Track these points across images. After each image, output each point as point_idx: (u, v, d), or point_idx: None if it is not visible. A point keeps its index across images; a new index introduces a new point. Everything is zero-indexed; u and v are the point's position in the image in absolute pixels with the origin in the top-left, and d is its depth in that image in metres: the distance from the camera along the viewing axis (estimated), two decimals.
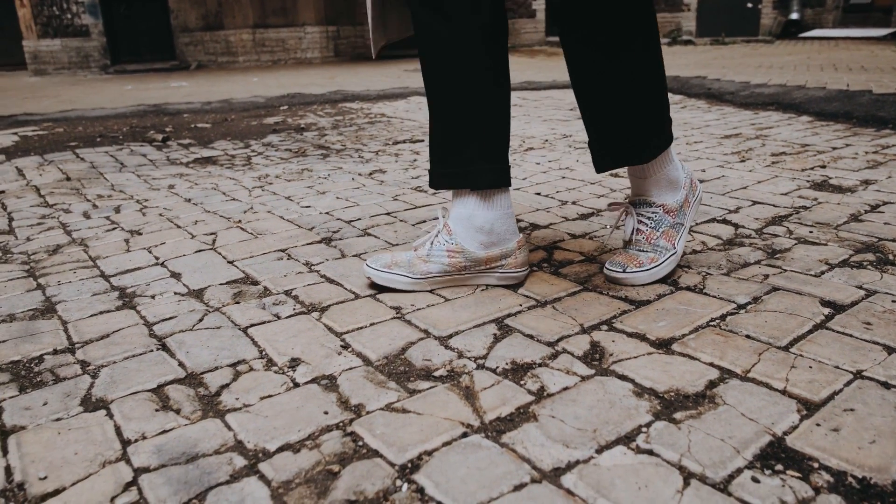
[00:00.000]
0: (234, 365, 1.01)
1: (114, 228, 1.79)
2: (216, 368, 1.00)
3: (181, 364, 1.02)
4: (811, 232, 1.57)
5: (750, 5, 12.94)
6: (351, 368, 0.99)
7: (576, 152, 2.72)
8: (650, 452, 0.77)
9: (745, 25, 12.94)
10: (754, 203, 1.83)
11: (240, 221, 1.80)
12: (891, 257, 1.39)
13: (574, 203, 1.91)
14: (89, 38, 9.96)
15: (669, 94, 4.73)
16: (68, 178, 2.51)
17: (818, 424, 0.82)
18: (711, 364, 0.97)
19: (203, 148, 3.16)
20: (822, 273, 1.31)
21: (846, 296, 1.20)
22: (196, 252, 1.55)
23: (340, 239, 1.63)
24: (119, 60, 10.21)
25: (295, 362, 1.01)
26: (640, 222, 1.33)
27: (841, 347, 1.01)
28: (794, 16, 12.35)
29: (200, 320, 1.17)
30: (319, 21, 10.45)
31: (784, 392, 0.89)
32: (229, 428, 0.85)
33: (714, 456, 0.76)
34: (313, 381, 0.96)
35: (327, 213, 1.87)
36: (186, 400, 0.92)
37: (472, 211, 1.26)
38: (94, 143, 3.38)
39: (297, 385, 0.95)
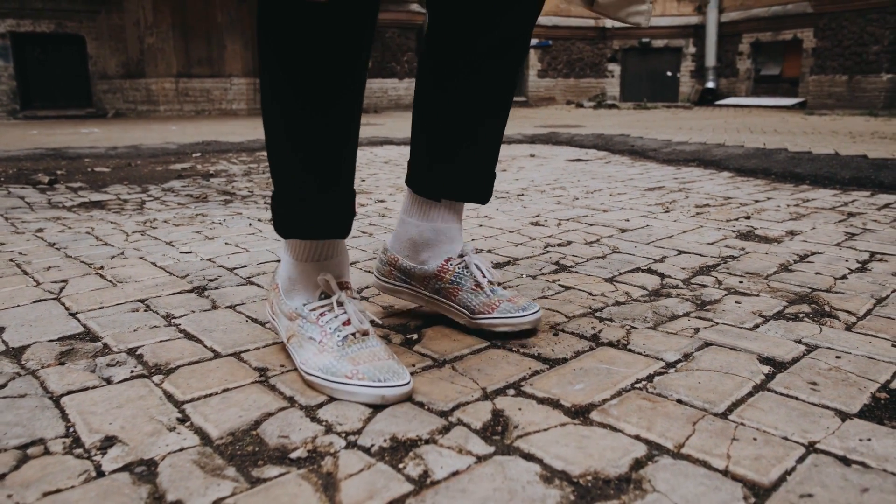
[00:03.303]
0: (24, 447, 0.76)
1: None
2: None
3: None
4: (741, 282, 1.44)
5: (670, 74, 13.58)
6: (182, 450, 0.76)
7: (496, 201, 2.58)
8: None
9: (666, 92, 13.55)
10: (680, 252, 1.71)
11: (101, 268, 1.54)
12: (827, 308, 1.26)
13: (490, 251, 1.74)
14: None
15: (594, 150, 4.74)
16: None
17: None
18: (637, 437, 0.79)
19: (94, 192, 2.87)
20: (757, 326, 1.17)
21: (785, 352, 1.05)
22: (34, 302, 1.29)
23: (216, 288, 1.39)
24: (30, 105, 9.69)
25: (109, 442, 0.77)
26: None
27: (787, 413, 0.85)
28: (710, 84, 13.01)
29: (2, 387, 0.92)
30: (246, 72, 10.27)
31: (726, 473, 0.71)
32: None
33: None
34: (125, 468, 0.72)
35: (209, 259, 1.63)
36: None
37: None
38: None
39: (101, 474, 0.71)
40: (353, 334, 0.94)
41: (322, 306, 0.97)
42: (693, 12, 13.40)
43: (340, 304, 0.97)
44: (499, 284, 1.17)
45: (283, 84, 0.90)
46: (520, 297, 1.13)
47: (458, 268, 1.14)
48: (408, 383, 0.88)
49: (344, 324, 0.95)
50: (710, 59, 12.92)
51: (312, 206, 0.97)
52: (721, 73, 13.02)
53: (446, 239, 1.15)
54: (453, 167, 1.14)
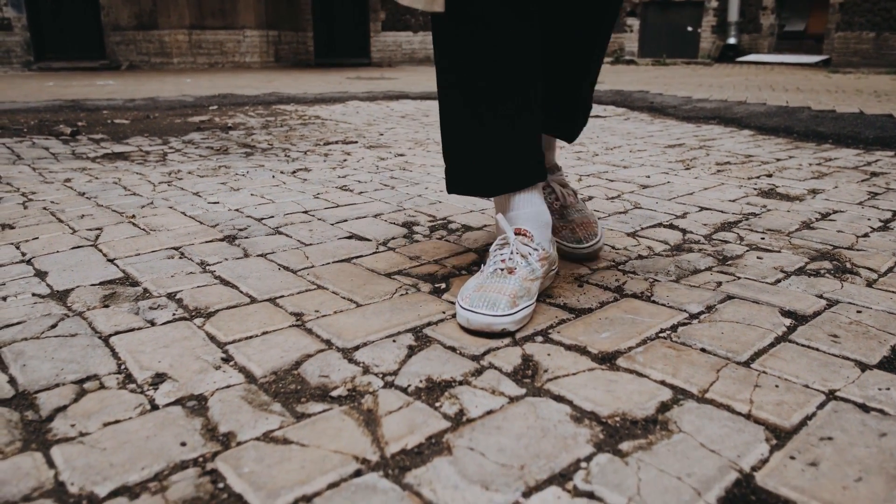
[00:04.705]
0: (80, 382, 0.81)
1: None
2: (56, 386, 0.79)
3: (11, 380, 0.81)
4: (763, 238, 1.45)
5: (690, 29, 13.27)
6: (228, 387, 0.80)
7: None
8: (591, 495, 0.61)
9: (685, 48, 13.25)
10: (702, 209, 1.72)
11: (133, 217, 1.58)
12: (848, 265, 1.28)
13: None
14: (11, 32, 9.39)
15: (613, 107, 4.69)
16: None
17: (792, 457, 0.67)
18: (663, 382, 0.82)
19: (115, 143, 2.90)
20: (779, 281, 1.19)
21: (807, 305, 1.07)
22: (72, 249, 1.33)
23: (246, 237, 1.42)
24: (44, 57, 9.65)
25: (159, 378, 0.81)
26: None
27: (808, 363, 0.87)
28: (732, 40, 12.71)
29: (53, 326, 0.96)
30: (260, 25, 10.15)
31: (749, 416, 0.75)
32: (51, 465, 0.65)
33: (670, 499, 0.60)
34: (177, 402, 0.76)
35: (237, 209, 1.67)
36: (5, 427, 0.71)
37: (539, 207, 1.11)
38: None
39: (155, 407, 0.75)
40: (502, 269, 1.01)
41: (500, 244, 1.08)
42: None
43: (507, 244, 1.06)
44: (580, 199, 1.33)
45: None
46: (584, 225, 1.27)
47: (546, 191, 1.31)
48: (501, 315, 0.93)
49: (502, 260, 1.03)
50: (733, 14, 12.58)
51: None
52: (743, 28, 12.70)
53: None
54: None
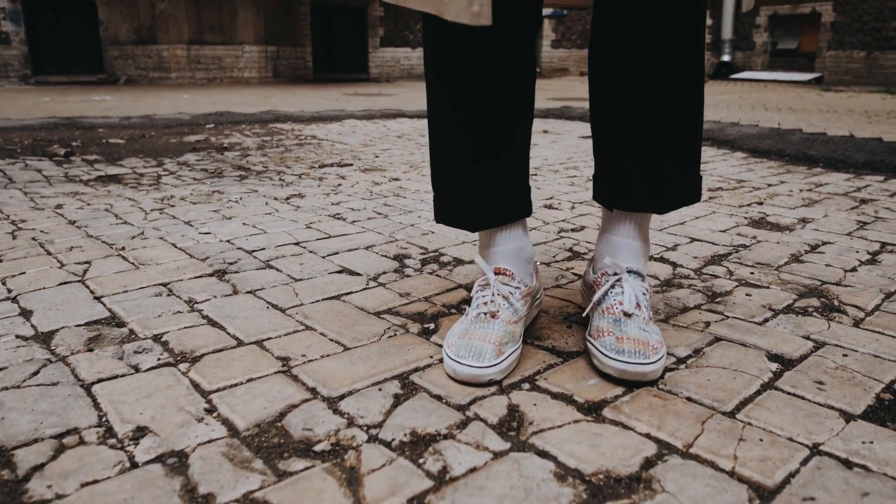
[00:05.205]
0: (59, 436, 0.80)
1: None
2: (34, 442, 0.79)
3: None
4: (752, 273, 1.46)
5: None
6: (210, 441, 0.79)
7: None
8: None
9: None
10: (692, 240, 1.73)
11: (123, 248, 1.58)
12: (836, 303, 1.28)
13: None
14: (9, 46, 9.41)
15: None
16: None
17: None
18: (648, 436, 0.82)
19: (109, 165, 2.90)
20: (767, 321, 1.19)
21: (794, 348, 1.07)
22: (59, 285, 1.32)
23: (236, 272, 1.42)
24: (42, 71, 9.68)
25: (140, 432, 0.81)
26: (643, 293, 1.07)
27: (793, 413, 0.87)
28: (726, 58, 12.81)
29: (35, 374, 0.95)
30: (258, 40, 10.19)
31: (733, 474, 0.74)
32: None
33: None
34: (157, 459, 0.76)
35: (228, 241, 1.66)
36: None
37: (521, 242, 1.11)
38: None
39: (134, 465, 0.74)
40: (485, 314, 1.01)
41: (481, 284, 1.07)
42: None
43: (488, 285, 1.06)
44: (651, 320, 1.03)
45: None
46: (637, 342, 0.96)
47: (606, 284, 1.06)
48: (486, 366, 0.93)
49: (484, 303, 1.03)
50: (727, 32, 12.70)
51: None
52: (737, 46, 12.81)
53: (612, 251, 1.11)
54: (617, 170, 1.10)
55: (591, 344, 1.00)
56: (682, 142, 1.07)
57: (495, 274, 1.07)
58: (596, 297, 1.06)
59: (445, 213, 1.13)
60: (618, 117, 1.08)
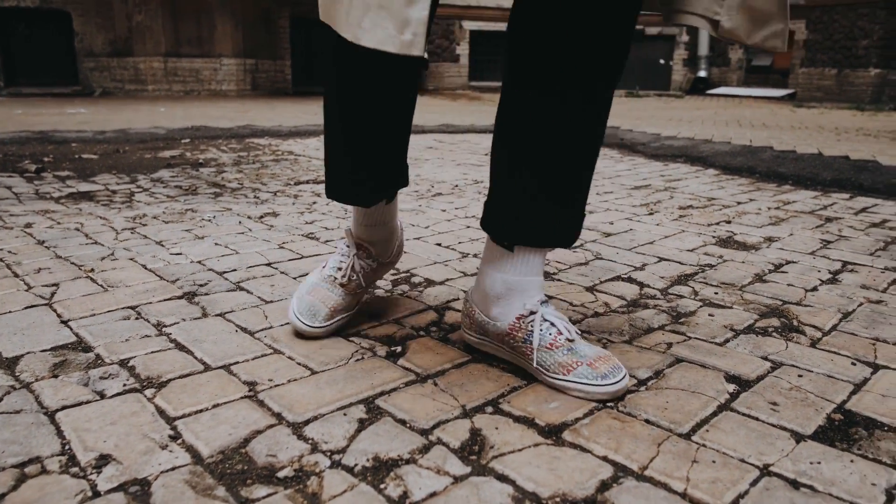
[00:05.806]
0: (21, 465, 0.80)
1: None
2: None
3: None
4: (716, 293, 1.49)
5: (662, 62, 13.57)
6: (174, 469, 0.80)
7: (482, 200, 2.61)
8: None
9: (658, 80, 13.54)
10: (660, 260, 1.76)
11: (92, 270, 1.57)
12: (795, 323, 1.31)
13: (475, 255, 1.78)
14: None
15: None
16: None
17: None
18: (605, 458, 0.84)
19: (82, 181, 2.88)
20: (727, 341, 1.22)
21: (751, 369, 1.10)
22: (26, 308, 1.32)
23: (206, 294, 1.42)
24: (15, 83, 9.57)
25: (103, 461, 0.81)
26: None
27: (746, 434, 0.90)
28: (702, 73, 13.03)
29: None
30: (237, 53, 10.17)
31: (685, 496, 0.77)
32: None
33: None
34: (120, 487, 0.76)
35: (199, 262, 1.67)
36: None
37: (386, 220, 1.31)
38: None
39: (96, 494, 0.75)
40: (334, 279, 1.23)
41: (343, 251, 1.27)
42: None
43: (347, 256, 1.27)
44: (580, 335, 1.07)
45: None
46: (604, 360, 1.00)
47: (530, 325, 1.04)
48: (316, 326, 1.18)
49: (338, 268, 1.25)
50: (703, 48, 12.93)
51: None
52: (713, 62, 13.04)
53: (519, 293, 1.06)
54: (531, 206, 1.04)
55: (564, 380, 1.00)
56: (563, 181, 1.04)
57: (357, 248, 1.24)
58: (535, 343, 1.03)
59: (329, 189, 1.21)
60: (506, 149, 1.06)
